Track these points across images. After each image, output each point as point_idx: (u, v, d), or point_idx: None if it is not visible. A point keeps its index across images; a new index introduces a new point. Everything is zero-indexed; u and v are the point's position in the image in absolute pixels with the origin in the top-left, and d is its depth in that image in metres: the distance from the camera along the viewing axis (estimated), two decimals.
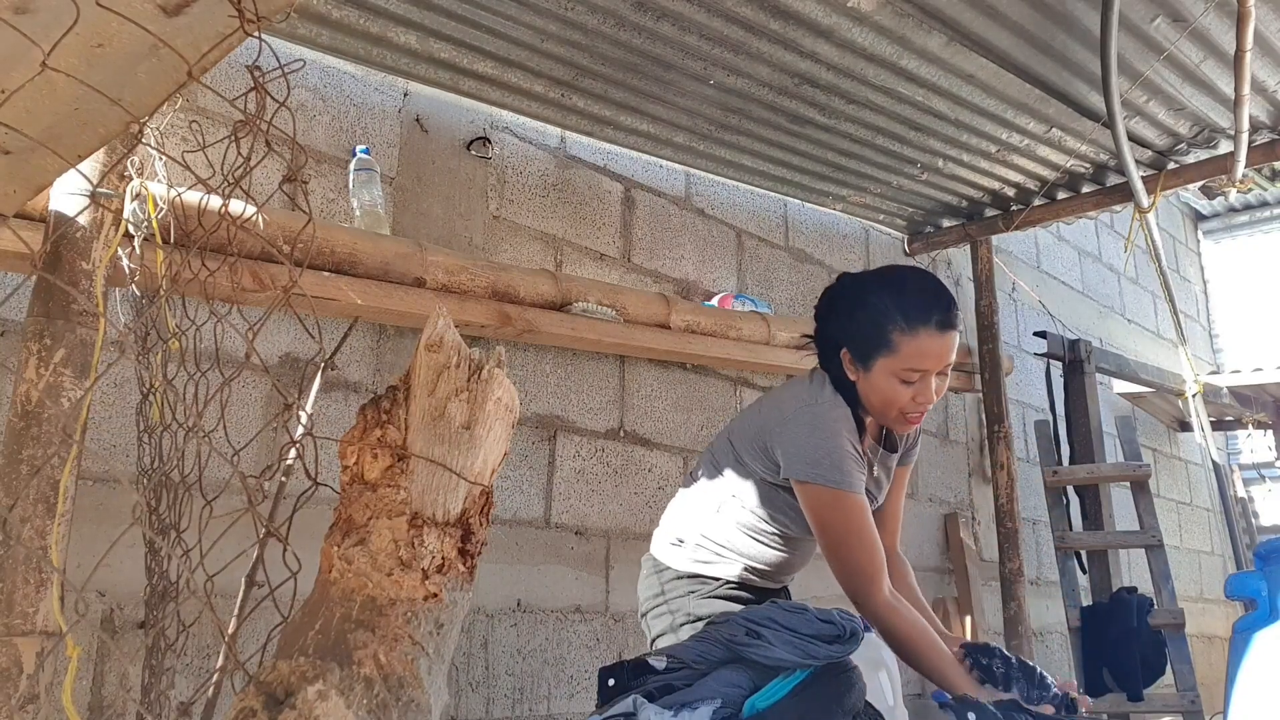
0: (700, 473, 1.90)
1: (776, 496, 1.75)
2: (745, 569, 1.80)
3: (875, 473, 1.80)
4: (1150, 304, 5.91)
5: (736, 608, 1.70)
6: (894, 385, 1.61)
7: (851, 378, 1.67)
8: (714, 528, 1.81)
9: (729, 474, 1.81)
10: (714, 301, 3.17)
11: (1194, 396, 4.77)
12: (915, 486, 3.90)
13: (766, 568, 1.81)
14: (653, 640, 1.85)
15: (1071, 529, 3.73)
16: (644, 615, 1.89)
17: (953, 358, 1.62)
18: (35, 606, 1.08)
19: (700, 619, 1.74)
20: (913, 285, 1.63)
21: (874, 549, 1.63)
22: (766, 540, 1.79)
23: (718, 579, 1.80)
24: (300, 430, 1.06)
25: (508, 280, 2.47)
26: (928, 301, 1.60)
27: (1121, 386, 5.08)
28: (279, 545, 0.89)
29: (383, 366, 2.40)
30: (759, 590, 1.82)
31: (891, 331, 1.58)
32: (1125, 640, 3.30)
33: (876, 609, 1.61)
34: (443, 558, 0.90)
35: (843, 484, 1.62)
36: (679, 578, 1.83)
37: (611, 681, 1.35)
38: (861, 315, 1.63)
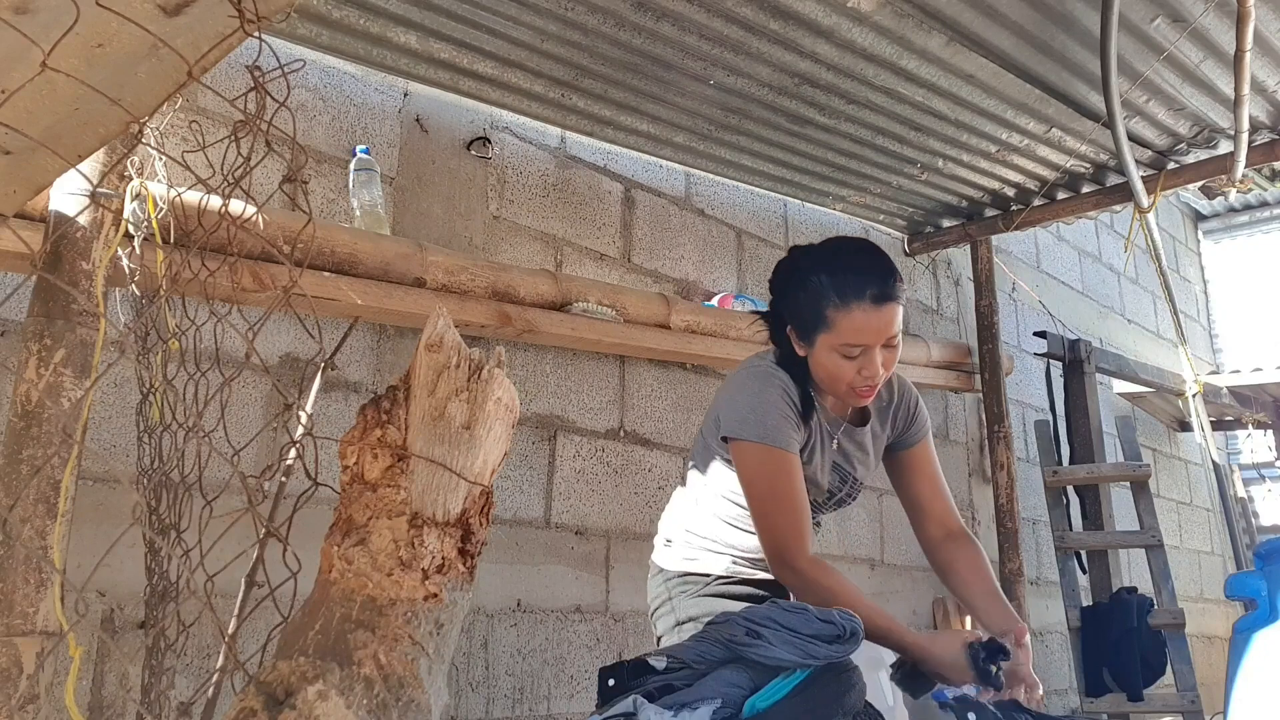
0: (685, 470, 1.89)
1: None
2: (733, 560, 1.77)
3: (839, 445, 1.75)
4: (1150, 304, 5.91)
5: (729, 605, 1.69)
6: (837, 360, 1.58)
7: (799, 352, 1.65)
8: (696, 522, 1.81)
9: (701, 462, 1.80)
10: (714, 301, 3.17)
11: (1194, 396, 4.77)
12: None
13: (754, 555, 1.77)
14: (659, 642, 1.85)
15: (1071, 529, 3.73)
16: (651, 618, 1.89)
17: (895, 330, 1.58)
18: (35, 606, 1.08)
19: (691, 619, 1.73)
20: (846, 260, 1.59)
21: (797, 509, 1.58)
22: (744, 525, 1.75)
23: (707, 575, 1.78)
24: (300, 430, 1.06)
25: (508, 280, 2.47)
26: (862, 276, 1.55)
27: (1121, 386, 5.08)
28: (279, 545, 0.89)
29: (383, 366, 2.40)
30: (752, 582, 1.78)
31: (826, 308, 1.56)
32: (1125, 640, 3.30)
33: (798, 567, 1.56)
34: (443, 558, 0.90)
35: (768, 438, 1.58)
36: (670, 579, 1.82)
37: (611, 681, 1.35)
38: (800, 293, 1.61)
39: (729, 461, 1.70)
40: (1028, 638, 1.60)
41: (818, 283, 1.57)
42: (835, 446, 1.75)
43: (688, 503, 1.84)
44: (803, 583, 1.56)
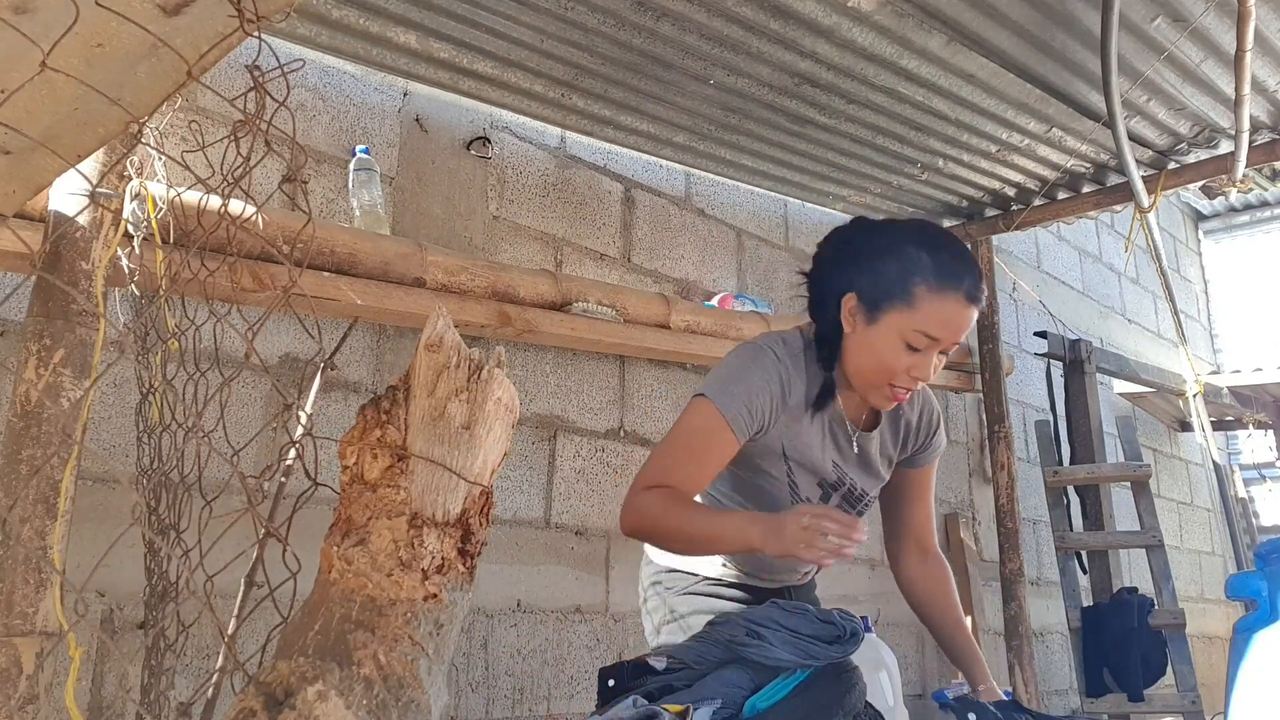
0: None
1: (742, 483, 1.65)
2: (723, 564, 1.72)
3: (843, 446, 1.64)
4: (1150, 304, 5.91)
5: (717, 604, 1.68)
6: (896, 348, 1.46)
7: (847, 328, 1.51)
8: None
9: None
10: (714, 301, 3.17)
11: (1194, 396, 4.77)
12: None
13: (744, 564, 1.72)
14: (648, 631, 1.85)
15: (1072, 529, 3.73)
16: (641, 604, 1.88)
17: (963, 337, 1.49)
18: (35, 606, 1.08)
19: (681, 615, 1.72)
20: (949, 244, 1.49)
21: (697, 472, 1.49)
22: None
23: (694, 574, 1.74)
24: (300, 430, 1.06)
25: (508, 280, 2.47)
26: (963, 266, 1.46)
27: (1122, 386, 5.08)
28: (279, 545, 0.89)
29: (383, 366, 2.40)
30: (740, 587, 1.73)
31: (917, 284, 1.44)
32: (1126, 640, 3.30)
33: (636, 495, 1.48)
34: (443, 558, 0.90)
35: (720, 402, 1.48)
36: (659, 571, 1.81)
37: (611, 682, 1.35)
38: (884, 261, 1.47)
39: (734, 466, 1.63)
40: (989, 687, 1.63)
41: (915, 257, 1.45)
42: (834, 441, 1.65)
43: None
44: (633, 509, 1.48)
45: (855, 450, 1.67)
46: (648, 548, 1.86)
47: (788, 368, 1.55)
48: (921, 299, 1.44)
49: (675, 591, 1.76)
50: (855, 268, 1.51)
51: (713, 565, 1.74)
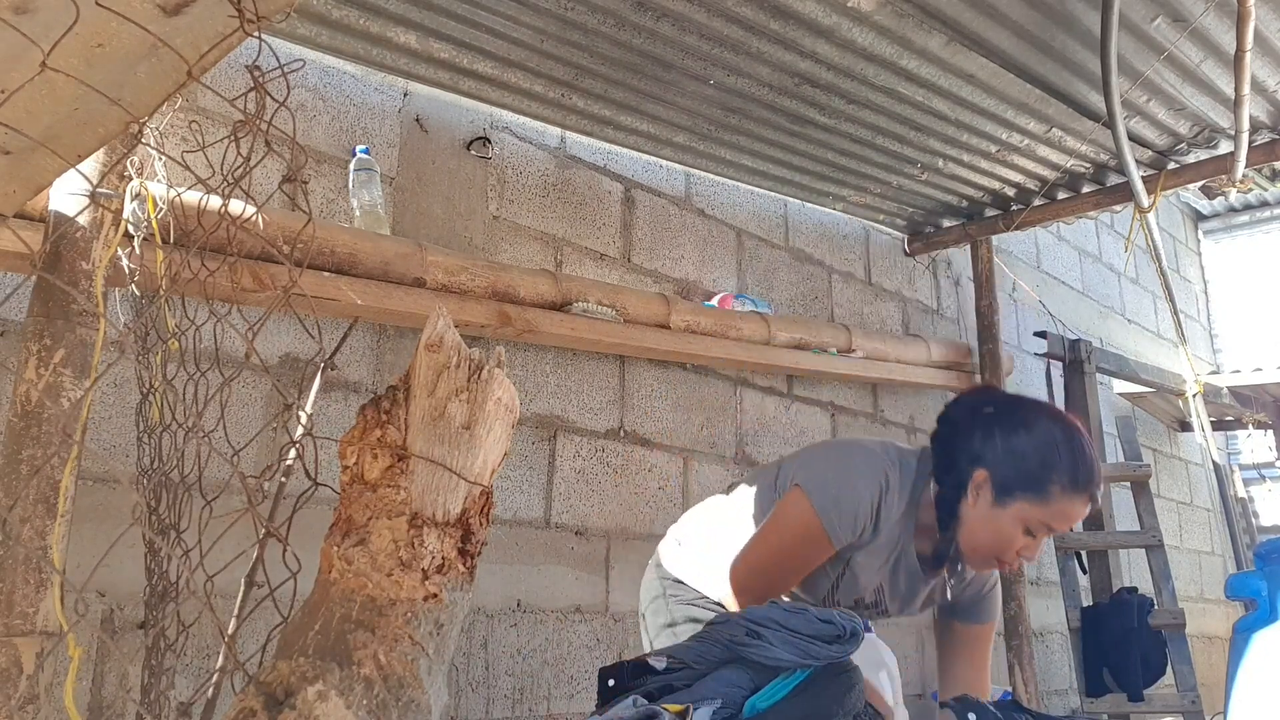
0: (735, 486, 1.84)
1: None
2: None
3: (898, 580, 1.68)
4: (1150, 304, 5.91)
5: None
6: (1016, 531, 1.52)
7: (971, 500, 1.54)
8: (719, 544, 1.74)
9: (758, 496, 1.73)
10: (714, 301, 3.17)
11: (1194, 396, 4.77)
12: None
13: None
14: (647, 634, 1.85)
15: (1071, 529, 3.72)
16: (642, 607, 1.88)
17: None
18: (35, 606, 1.08)
19: (678, 622, 1.73)
20: (1084, 445, 1.55)
21: (787, 578, 1.54)
22: None
23: (700, 593, 1.75)
24: (300, 430, 1.06)
25: (508, 280, 2.47)
26: (1095, 471, 1.54)
27: (1121, 386, 5.08)
28: (279, 545, 0.89)
29: (383, 366, 2.40)
30: None
31: (1054, 482, 1.50)
32: (1125, 640, 3.30)
33: (738, 594, 1.56)
34: (443, 558, 0.90)
35: (821, 507, 1.52)
36: (666, 579, 1.82)
37: (611, 682, 1.35)
38: (1023, 451, 1.52)
39: None
40: None
41: (1054, 456, 1.51)
42: (894, 570, 1.68)
43: (719, 521, 1.79)
44: (739, 601, 1.56)
45: (904, 588, 1.70)
46: (664, 552, 1.86)
47: (894, 494, 1.58)
48: (1055, 497, 1.50)
49: (681, 600, 1.77)
50: (991, 447, 1.55)
51: (721, 592, 1.74)
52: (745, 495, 1.77)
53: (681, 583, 1.78)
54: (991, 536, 1.54)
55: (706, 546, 1.79)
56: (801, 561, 1.54)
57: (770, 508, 1.68)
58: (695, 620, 1.71)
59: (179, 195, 1.41)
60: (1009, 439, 1.53)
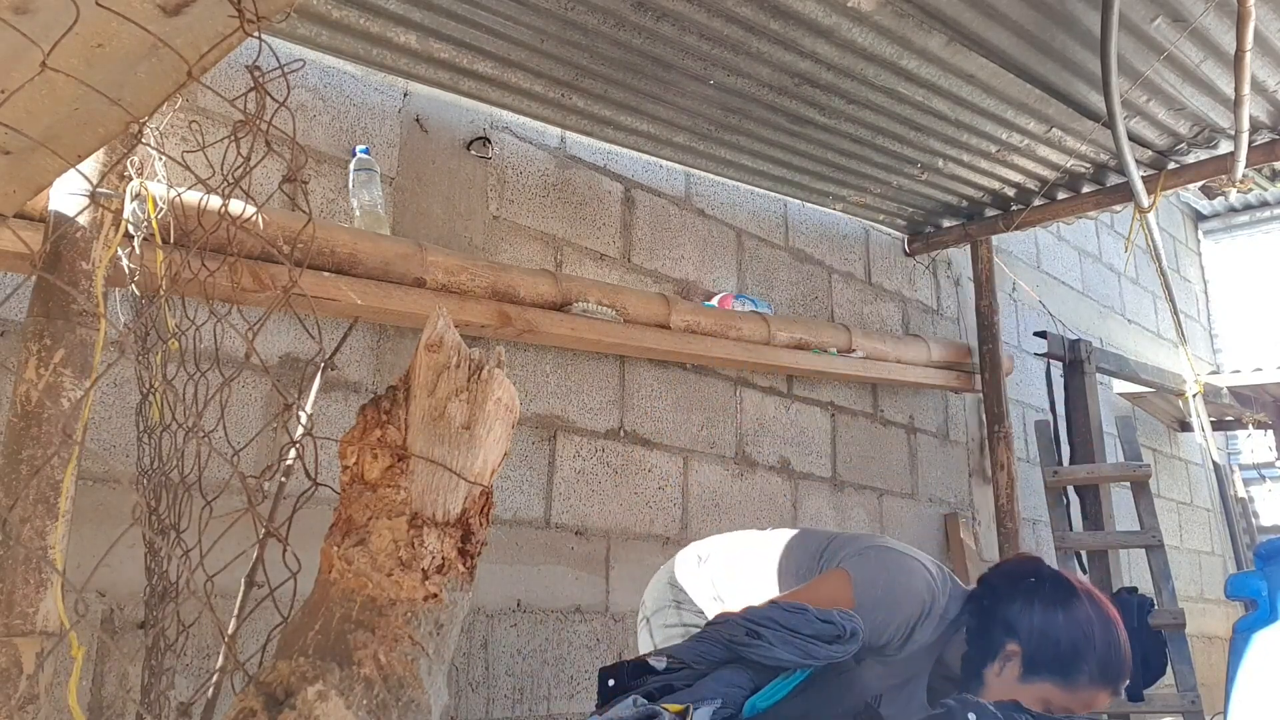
0: (776, 531, 1.84)
1: None
2: None
3: (902, 695, 1.67)
4: (1150, 304, 5.91)
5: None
6: (1035, 707, 1.51)
7: (997, 668, 1.55)
8: (740, 583, 1.75)
9: (800, 560, 1.72)
10: (714, 301, 3.17)
11: (1194, 396, 4.77)
12: (915, 486, 3.91)
13: None
14: (649, 633, 1.85)
15: (1071, 529, 3.72)
16: (648, 611, 1.88)
17: None
18: (35, 606, 1.08)
19: (689, 626, 1.73)
20: (1122, 642, 1.58)
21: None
22: None
23: (704, 613, 1.76)
24: (300, 430, 1.06)
25: (508, 280, 2.47)
26: (1126, 667, 1.56)
27: (1121, 386, 5.08)
28: (279, 545, 0.89)
29: (383, 366, 2.40)
30: None
31: (1083, 673, 1.52)
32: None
33: None
34: (443, 558, 0.90)
35: (859, 599, 1.51)
36: (678, 589, 1.82)
37: (611, 682, 1.35)
38: (1063, 637, 1.53)
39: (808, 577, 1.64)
40: None
41: (1091, 647, 1.53)
42: (900, 689, 1.68)
43: (747, 554, 1.79)
44: None
45: (900, 707, 1.70)
46: (681, 564, 1.86)
47: (933, 621, 1.58)
48: (1080, 685, 1.52)
49: (691, 611, 1.78)
50: (1028, 623, 1.55)
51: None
52: (781, 543, 1.77)
53: (691, 599, 1.79)
54: None
55: (727, 574, 1.80)
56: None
57: (805, 572, 1.68)
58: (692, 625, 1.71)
59: (179, 195, 1.41)
60: (1046, 618, 1.55)
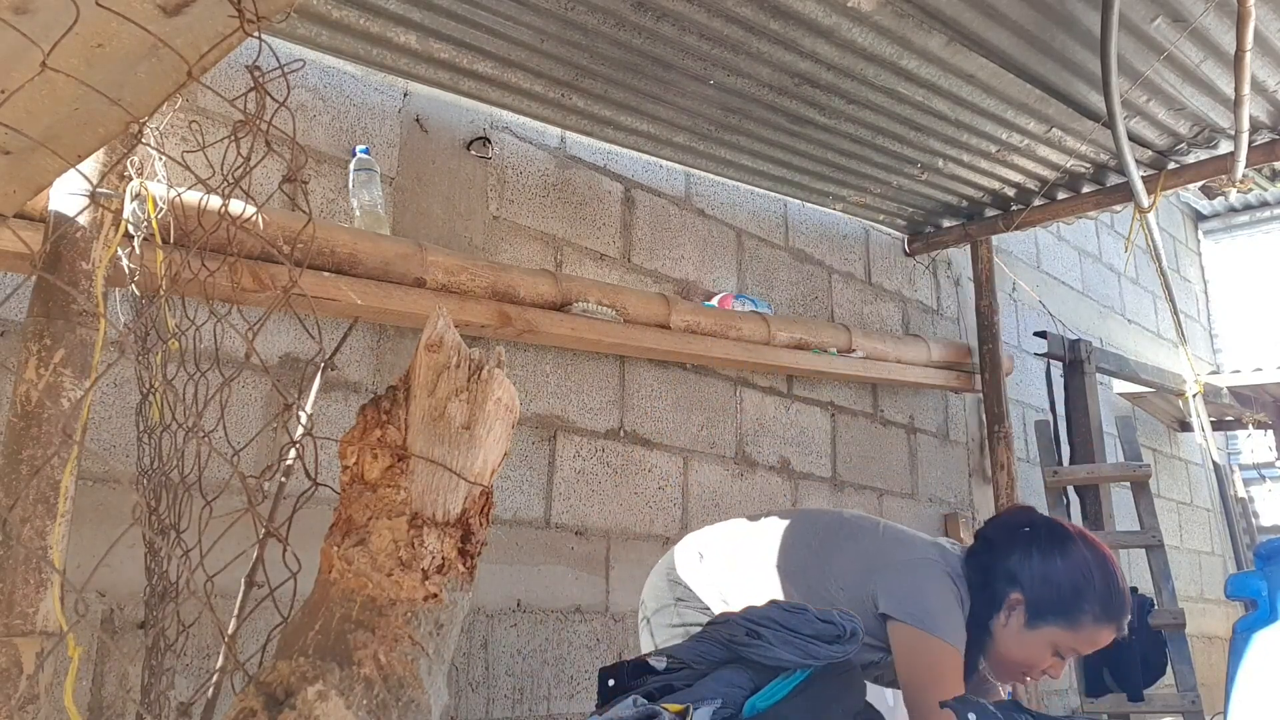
0: (767, 518, 1.85)
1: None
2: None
3: None
4: (1150, 304, 5.91)
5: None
6: (1044, 652, 1.59)
7: (1003, 620, 1.60)
8: (745, 586, 1.75)
9: (813, 572, 1.72)
10: (714, 301, 3.17)
11: (1194, 396, 4.77)
12: (915, 486, 3.91)
13: None
14: (649, 632, 1.85)
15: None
16: (649, 611, 1.88)
17: None
18: (35, 606, 1.08)
19: (690, 625, 1.73)
20: (1120, 579, 1.62)
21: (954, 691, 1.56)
22: None
23: (708, 608, 1.77)
24: (300, 430, 1.06)
25: (508, 280, 2.47)
26: (1126, 602, 1.60)
27: (1121, 386, 5.08)
28: (279, 545, 0.89)
29: (383, 366, 2.40)
30: None
31: (1086, 611, 1.56)
32: (1125, 640, 3.29)
33: None
34: (443, 558, 0.90)
35: (951, 638, 1.55)
36: (677, 585, 1.82)
37: (611, 682, 1.35)
38: (1059, 579, 1.58)
39: (830, 601, 1.65)
40: None
41: (1088, 587, 1.57)
42: None
43: (746, 545, 1.80)
44: None
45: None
46: (681, 559, 1.86)
47: (963, 594, 1.63)
48: (1084, 625, 1.56)
49: (692, 608, 1.78)
50: (1028, 571, 1.60)
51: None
52: (778, 535, 1.78)
53: (695, 595, 1.79)
54: (1020, 655, 1.60)
55: (729, 571, 1.80)
56: (946, 674, 1.55)
57: (813, 574, 1.69)
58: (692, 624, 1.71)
59: (179, 195, 1.41)
60: (1045, 565, 1.59)
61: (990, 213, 3.80)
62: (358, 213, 2.33)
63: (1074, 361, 4.01)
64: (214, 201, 1.09)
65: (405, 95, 2.59)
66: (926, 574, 1.64)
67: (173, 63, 0.86)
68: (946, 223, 3.96)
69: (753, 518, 1.91)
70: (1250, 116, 2.94)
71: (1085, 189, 3.60)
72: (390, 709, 0.82)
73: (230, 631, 1.05)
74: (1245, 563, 4.69)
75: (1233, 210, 6.88)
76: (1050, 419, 3.93)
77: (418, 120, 2.61)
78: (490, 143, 2.73)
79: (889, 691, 2.02)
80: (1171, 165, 3.40)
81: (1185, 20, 2.59)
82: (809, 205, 3.68)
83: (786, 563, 1.75)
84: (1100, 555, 1.62)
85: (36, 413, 1.11)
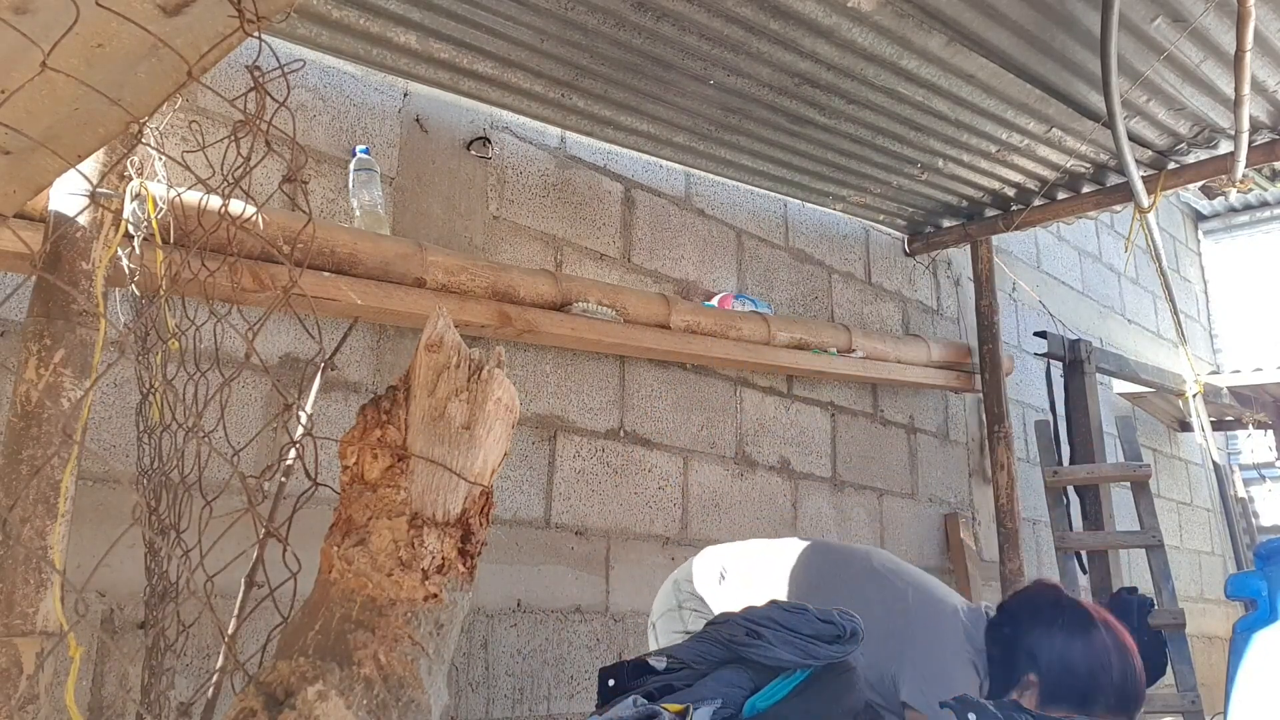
0: (788, 541, 1.87)
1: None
2: None
3: None
4: (1150, 304, 5.91)
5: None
6: None
7: (1016, 695, 1.60)
8: (754, 584, 1.78)
9: (802, 577, 1.76)
10: (714, 301, 3.17)
11: (1194, 396, 4.77)
12: (915, 486, 3.91)
13: None
14: (655, 635, 1.86)
15: (1071, 529, 3.72)
16: (657, 616, 1.89)
17: None
18: (35, 606, 1.08)
19: (692, 630, 1.74)
20: (1138, 672, 1.61)
21: None
22: None
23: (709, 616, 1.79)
24: (300, 430, 1.06)
25: (508, 280, 2.47)
26: (1141, 696, 1.59)
27: (1121, 386, 5.08)
28: (279, 545, 0.89)
29: (383, 366, 2.40)
30: None
31: (1099, 703, 1.56)
32: None
33: None
34: (443, 558, 0.90)
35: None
36: (683, 592, 1.83)
37: (611, 682, 1.35)
38: (1081, 667, 1.58)
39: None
40: None
41: (1104, 678, 1.56)
42: None
43: (763, 563, 1.82)
44: None
45: None
46: (700, 572, 1.87)
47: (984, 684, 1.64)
48: (1096, 715, 1.55)
49: (696, 614, 1.79)
50: (1049, 653, 1.59)
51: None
52: (802, 566, 1.79)
53: (707, 608, 1.80)
54: None
55: (746, 584, 1.82)
56: None
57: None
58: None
59: (179, 195, 1.41)
60: (1065, 650, 1.58)
61: (990, 213, 3.80)
62: (358, 213, 2.33)
63: (1074, 361, 4.01)
64: (214, 201, 1.09)
65: (405, 95, 2.59)
66: (953, 666, 1.64)
67: (173, 63, 0.86)
68: (946, 223, 3.96)
69: (776, 542, 1.93)
70: (1250, 116, 2.94)
71: (1085, 189, 3.60)
72: (390, 709, 0.82)
73: (230, 631, 1.05)
74: (1245, 563, 4.69)
75: (1233, 210, 6.88)
76: (1050, 419, 3.93)
77: (418, 120, 2.61)
78: (490, 143, 2.73)
79: None
80: (1171, 165, 3.40)
81: (1185, 20, 2.59)
82: (809, 205, 3.68)
83: (809, 600, 1.76)
84: (1120, 645, 1.61)
85: (36, 413, 1.11)
